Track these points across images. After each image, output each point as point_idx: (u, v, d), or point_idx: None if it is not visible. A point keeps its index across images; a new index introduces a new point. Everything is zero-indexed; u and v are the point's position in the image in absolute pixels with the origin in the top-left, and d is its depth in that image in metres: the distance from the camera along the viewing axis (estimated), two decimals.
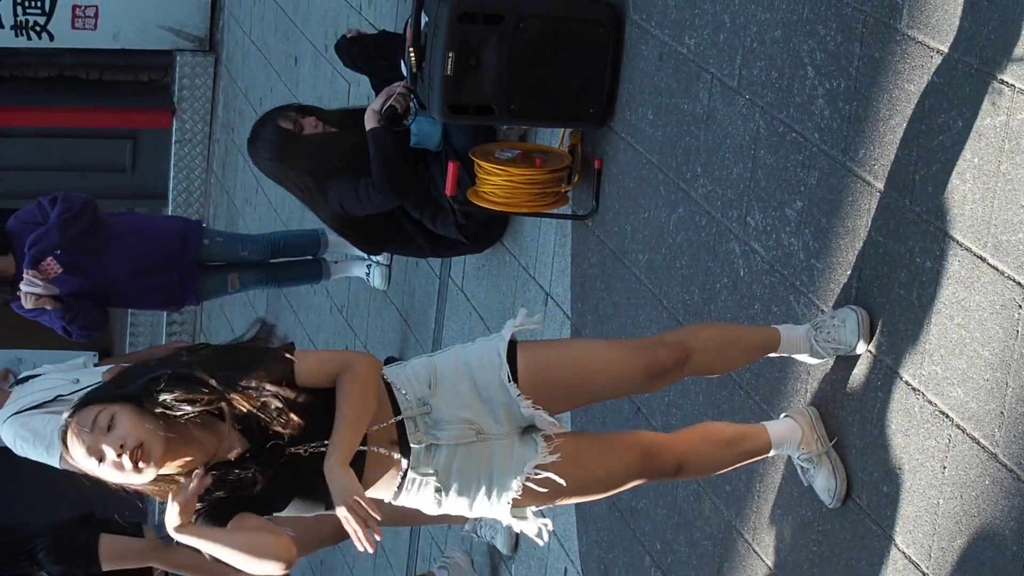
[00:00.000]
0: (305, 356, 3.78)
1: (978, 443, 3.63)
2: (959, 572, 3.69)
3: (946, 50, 3.73)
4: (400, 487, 3.82)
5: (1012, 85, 3.51)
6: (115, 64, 12.06)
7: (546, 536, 3.93)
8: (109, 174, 12.05)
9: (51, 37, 11.61)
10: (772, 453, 4.19)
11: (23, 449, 7.28)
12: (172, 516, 3.61)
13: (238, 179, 11.30)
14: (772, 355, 4.18)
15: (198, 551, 3.65)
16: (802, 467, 4.17)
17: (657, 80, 5.19)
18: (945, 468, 3.75)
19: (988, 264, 3.60)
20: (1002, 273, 3.55)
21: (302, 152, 6.44)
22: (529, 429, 3.88)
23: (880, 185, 3.99)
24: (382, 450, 3.77)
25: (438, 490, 3.81)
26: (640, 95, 5.32)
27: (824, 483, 4.11)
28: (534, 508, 3.92)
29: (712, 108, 4.83)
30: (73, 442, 3.56)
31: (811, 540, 4.28)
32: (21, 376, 7.66)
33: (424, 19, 5.68)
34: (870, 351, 4.00)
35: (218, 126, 12.08)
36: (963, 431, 3.68)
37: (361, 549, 3.64)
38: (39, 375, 7.57)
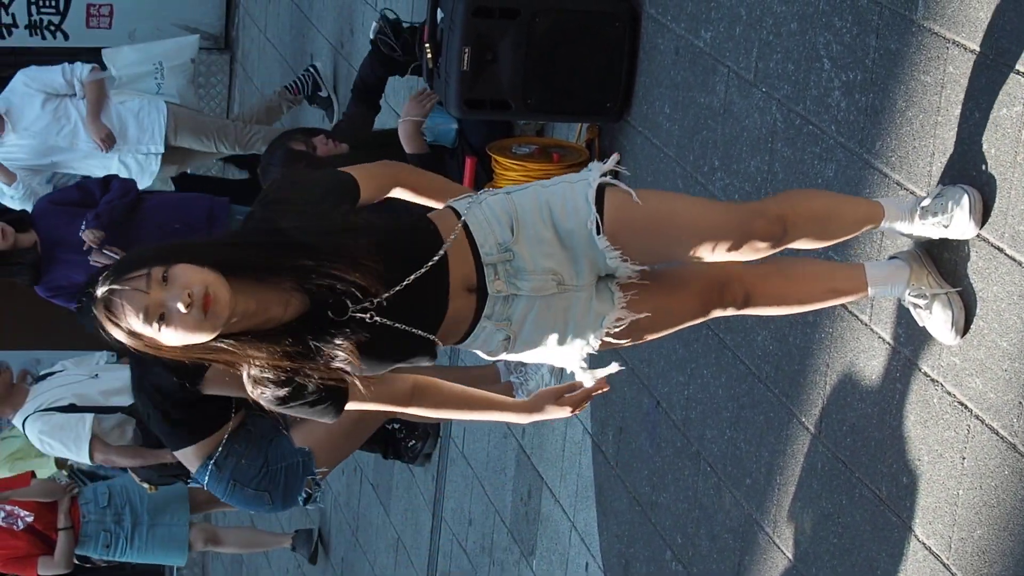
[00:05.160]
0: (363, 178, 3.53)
1: (997, 433, 3.63)
2: (979, 562, 3.69)
3: (962, 41, 3.73)
4: (468, 332, 3.56)
5: None
6: None
7: (613, 369, 3.70)
8: None
9: (66, 36, 11.63)
10: (870, 293, 3.92)
11: (50, 446, 7.35)
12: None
13: None
14: (873, 228, 3.89)
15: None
16: (914, 304, 3.87)
17: (674, 74, 5.20)
18: (964, 459, 3.75)
19: (1006, 255, 3.60)
20: (1019, 263, 3.55)
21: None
22: (604, 276, 3.63)
23: (897, 176, 3.99)
24: (458, 296, 3.50)
25: (507, 339, 3.56)
26: (657, 89, 5.33)
27: (941, 315, 3.80)
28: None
29: (729, 101, 4.83)
30: (124, 309, 3.13)
31: (831, 532, 4.28)
32: (41, 374, 7.73)
33: (440, 14, 5.69)
34: (982, 236, 3.71)
35: None
36: (982, 421, 3.68)
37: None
38: (57, 372, 7.63)
